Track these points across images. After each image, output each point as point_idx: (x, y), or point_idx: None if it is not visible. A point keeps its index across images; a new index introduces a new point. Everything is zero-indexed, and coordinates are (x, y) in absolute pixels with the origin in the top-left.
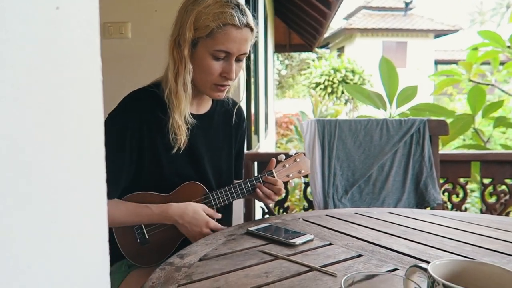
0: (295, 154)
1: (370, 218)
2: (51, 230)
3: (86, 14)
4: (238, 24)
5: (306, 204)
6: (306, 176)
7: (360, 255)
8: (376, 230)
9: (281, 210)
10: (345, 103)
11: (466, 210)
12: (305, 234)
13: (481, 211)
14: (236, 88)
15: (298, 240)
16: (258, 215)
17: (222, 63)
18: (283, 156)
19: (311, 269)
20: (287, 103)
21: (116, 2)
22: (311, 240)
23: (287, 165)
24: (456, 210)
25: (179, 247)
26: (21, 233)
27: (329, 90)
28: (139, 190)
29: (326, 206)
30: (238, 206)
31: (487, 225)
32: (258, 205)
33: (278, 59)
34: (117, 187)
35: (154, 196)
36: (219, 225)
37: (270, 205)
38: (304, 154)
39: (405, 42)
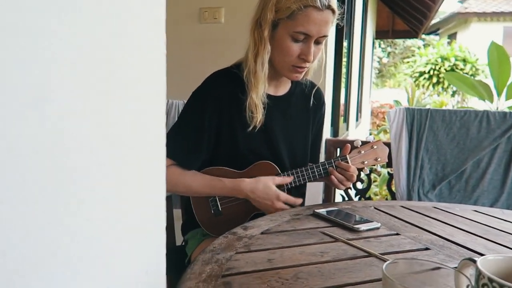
0: (372, 141)
1: (450, 213)
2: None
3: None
4: (319, 5)
5: (389, 197)
6: (386, 166)
7: (427, 248)
8: (453, 226)
9: (362, 200)
10: (452, 95)
11: None
12: (372, 222)
13: None
14: (316, 71)
15: (363, 226)
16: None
17: (301, 45)
18: (360, 142)
19: (369, 254)
20: (387, 93)
21: None
22: (377, 228)
23: (362, 152)
24: None
25: (250, 220)
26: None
27: (435, 80)
28: (216, 164)
29: (409, 200)
30: (317, 190)
31: None
32: (338, 192)
33: (380, 46)
34: (197, 159)
35: (229, 172)
36: (290, 198)
37: (351, 193)
38: (388, 144)
39: None
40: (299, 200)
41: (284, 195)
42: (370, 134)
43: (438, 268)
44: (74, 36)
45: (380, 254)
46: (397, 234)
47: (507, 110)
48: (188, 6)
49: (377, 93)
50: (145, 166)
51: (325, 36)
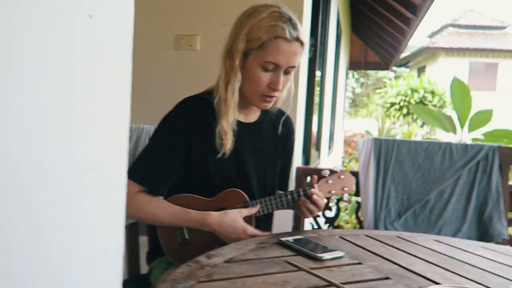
0: (340, 170)
1: (412, 243)
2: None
3: (119, 22)
4: (289, 37)
5: (358, 225)
6: (353, 195)
7: (387, 278)
8: (414, 256)
9: (330, 228)
10: (422, 126)
11: None
12: (336, 251)
13: None
14: (286, 100)
15: (326, 255)
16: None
17: (270, 74)
18: (327, 172)
19: (330, 284)
20: (360, 122)
21: (187, 15)
22: (341, 257)
23: (330, 181)
24: None
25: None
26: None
27: (405, 111)
28: (185, 189)
29: (376, 229)
30: (286, 219)
31: None
32: (308, 221)
33: (353, 77)
34: (165, 185)
35: (196, 199)
36: (257, 232)
37: (320, 222)
38: (354, 173)
39: (496, 64)
40: (266, 234)
41: (251, 230)
42: (343, 162)
43: None
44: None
45: (341, 283)
46: (360, 263)
47: (468, 142)
48: (164, 33)
49: (350, 122)
50: (103, 192)
51: (294, 66)
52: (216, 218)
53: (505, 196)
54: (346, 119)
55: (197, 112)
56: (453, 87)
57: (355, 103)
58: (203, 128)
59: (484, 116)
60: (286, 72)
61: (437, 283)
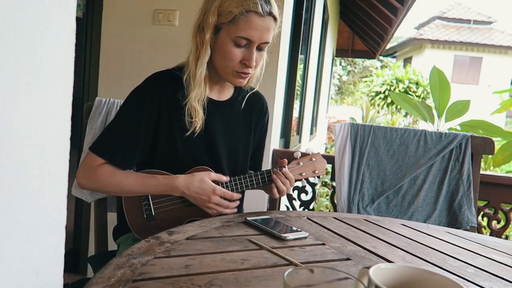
0: (312, 153)
1: (378, 226)
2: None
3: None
4: (261, 11)
5: (332, 209)
6: (319, 177)
7: (348, 259)
8: (378, 238)
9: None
10: (405, 115)
11: (507, 238)
12: (300, 231)
13: None
14: (268, 81)
15: (290, 236)
16: None
17: (243, 50)
18: (299, 154)
19: (290, 263)
20: (345, 109)
21: None
22: (304, 238)
23: (301, 163)
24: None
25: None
26: None
27: (389, 100)
28: (154, 168)
29: (349, 212)
30: (262, 201)
31: (506, 251)
32: (283, 203)
33: (340, 64)
34: (131, 159)
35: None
36: (227, 192)
37: (295, 205)
38: (331, 157)
39: (480, 58)
40: (237, 195)
41: (220, 189)
42: (326, 148)
43: (346, 278)
44: None
45: (301, 263)
46: (323, 244)
47: (445, 131)
48: (142, 7)
49: (336, 109)
50: (45, 163)
51: (267, 42)
52: (184, 180)
53: (475, 184)
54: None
55: (166, 86)
56: (432, 77)
57: (342, 91)
58: (172, 104)
59: (461, 107)
60: (259, 48)
61: None
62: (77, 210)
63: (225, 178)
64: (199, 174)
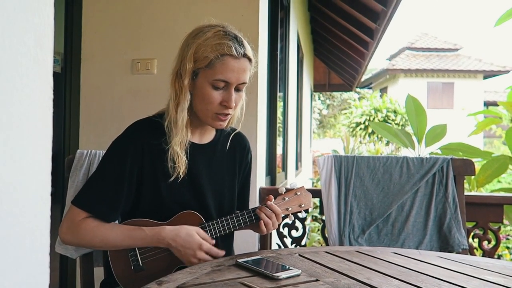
0: (296, 187)
1: (371, 257)
2: None
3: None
4: (236, 54)
5: (324, 243)
6: (306, 211)
7: None
8: (371, 269)
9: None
10: (387, 144)
11: (499, 257)
12: (292, 269)
13: None
14: (249, 120)
15: (282, 274)
16: None
17: (221, 92)
18: (284, 189)
19: None
20: (328, 142)
21: (144, 40)
22: (298, 275)
23: (286, 198)
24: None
25: None
26: None
27: (370, 130)
28: (139, 216)
29: (341, 245)
30: (252, 240)
31: (499, 271)
32: (274, 241)
33: (319, 99)
34: (115, 211)
35: (151, 224)
36: (213, 248)
37: (287, 242)
38: (317, 191)
39: (452, 83)
40: (222, 252)
41: (206, 245)
42: (313, 183)
43: None
44: None
45: None
46: (316, 280)
47: (426, 155)
48: (120, 58)
49: (319, 143)
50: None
51: (245, 83)
52: (171, 232)
53: (462, 206)
54: (315, 140)
55: (148, 134)
56: (408, 105)
57: (323, 124)
58: (154, 151)
59: (439, 131)
60: (238, 89)
61: None
62: (61, 267)
63: (212, 241)
64: (187, 228)
